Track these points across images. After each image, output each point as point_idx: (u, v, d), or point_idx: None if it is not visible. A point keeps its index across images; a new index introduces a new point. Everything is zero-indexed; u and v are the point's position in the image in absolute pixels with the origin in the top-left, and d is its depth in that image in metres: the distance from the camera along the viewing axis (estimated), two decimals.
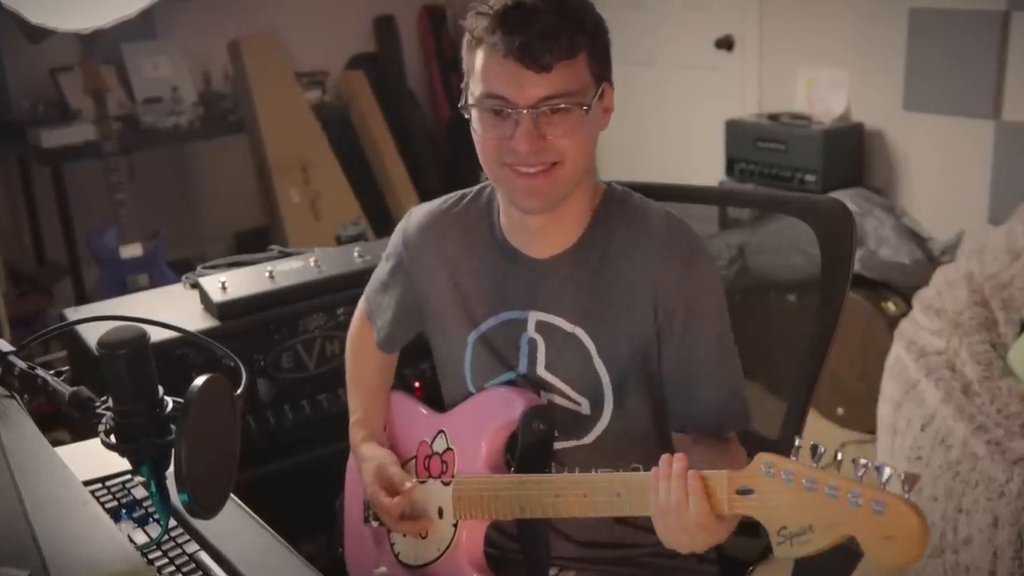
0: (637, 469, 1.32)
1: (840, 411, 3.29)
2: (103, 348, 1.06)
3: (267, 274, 2.19)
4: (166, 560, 1.26)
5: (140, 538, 1.31)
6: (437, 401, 1.51)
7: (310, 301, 2.17)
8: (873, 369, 2.76)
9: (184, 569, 1.24)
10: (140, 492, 1.41)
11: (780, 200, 1.56)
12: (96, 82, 3.75)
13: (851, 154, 3.66)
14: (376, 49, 5.33)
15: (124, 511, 1.37)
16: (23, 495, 1.20)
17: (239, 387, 1.14)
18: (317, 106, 4.81)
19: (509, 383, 1.39)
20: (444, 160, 5.25)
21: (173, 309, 2.15)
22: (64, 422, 2.40)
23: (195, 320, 2.11)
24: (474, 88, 1.26)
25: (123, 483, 1.44)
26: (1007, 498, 2.04)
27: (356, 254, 2.28)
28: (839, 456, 0.95)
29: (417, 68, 5.45)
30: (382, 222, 4.66)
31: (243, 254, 2.46)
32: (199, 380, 1.02)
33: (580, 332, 1.34)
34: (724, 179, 3.89)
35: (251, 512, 1.38)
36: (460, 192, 1.46)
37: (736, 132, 3.83)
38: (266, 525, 1.36)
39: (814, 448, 0.97)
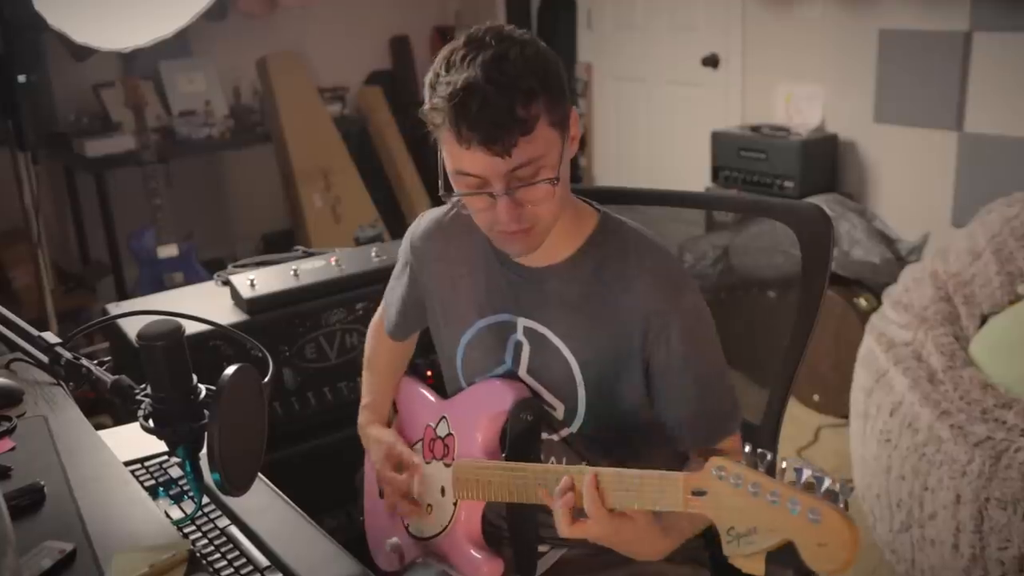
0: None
1: (816, 398, 3.28)
2: (142, 340, 1.05)
3: (292, 272, 2.19)
4: (200, 534, 1.26)
5: (176, 514, 1.31)
6: (444, 389, 1.51)
7: (331, 297, 2.17)
8: (846, 359, 2.76)
9: (216, 542, 1.24)
10: (176, 472, 1.41)
11: (763, 205, 1.55)
12: (135, 96, 3.75)
13: (826, 162, 3.65)
14: (392, 66, 5.33)
15: (161, 489, 1.37)
16: (69, 475, 1.20)
17: (266, 376, 1.14)
18: (338, 119, 4.80)
19: (503, 375, 1.38)
20: None
21: (206, 304, 2.15)
22: (106, 408, 2.40)
23: (226, 314, 2.11)
24: (447, 162, 1.21)
25: (160, 463, 1.44)
26: (969, 477, 2.03)
27: (373, 254, 2.28)
28: (784, 464, 0.95)
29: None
30: (397, 224, 4.65)
31: (270, 254, 2.45)
32: (230, 369, 1.02)
33: (564, 348, 1.32)
34: (710, 185, 3.88)
35: (277, 490, 1.38)
36: None
37: (721, 142, 3.82)
38: (291, 502, 1.36)
39: (763, 455, 0.97)
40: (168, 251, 3.84)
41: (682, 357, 1.27)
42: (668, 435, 1.32)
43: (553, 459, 1.36)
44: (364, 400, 1.57)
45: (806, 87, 3.77)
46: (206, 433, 1.00)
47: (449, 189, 1.23)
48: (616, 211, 1.38)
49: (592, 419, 1.33)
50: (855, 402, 2.56)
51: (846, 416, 2.72)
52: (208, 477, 1.01)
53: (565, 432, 1.35)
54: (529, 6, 5.08)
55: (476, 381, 1.41)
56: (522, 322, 1.35)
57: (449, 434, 1.41)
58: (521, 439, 1.32)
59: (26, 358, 1.35)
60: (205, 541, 1.24)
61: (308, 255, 2.36)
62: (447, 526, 1.38)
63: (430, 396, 1.51)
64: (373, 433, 1.51)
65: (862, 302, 3.22)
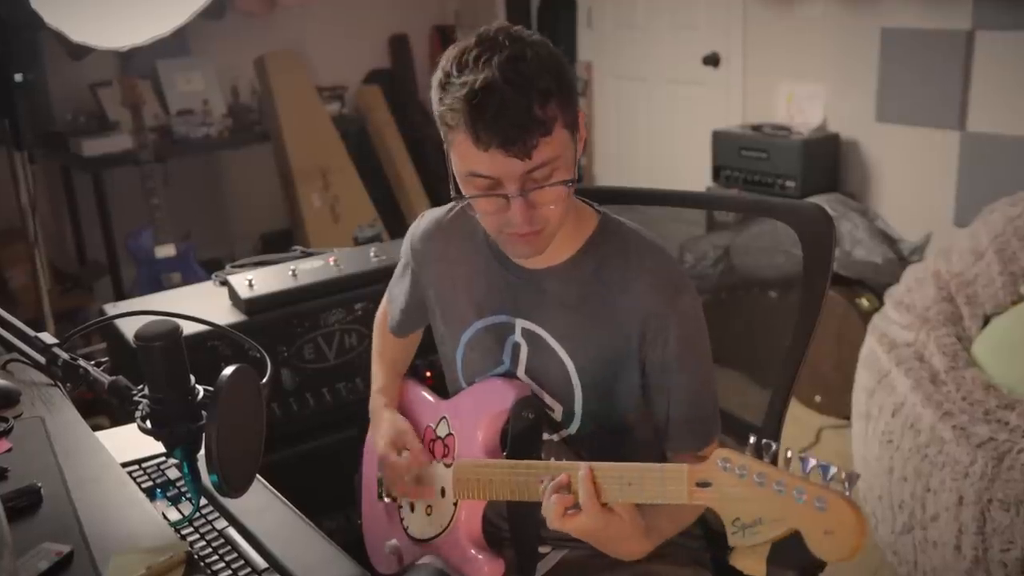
0: None
1: (818, 398, 3.28)
2: (140, 340, 1.05)
3: (290, 272, 2.19)
4: (197, 536, 1.25)
5: (173, 515, 1.31)
6: (446, 389, 1.51)
7: (330, 297, 2.17)
8: (848, 360, 2.76)
9: (214, 544, 1.23)
10: (173, 473, 1.41)
11: (765, 205, 1.55)
12: (133, 96, 3.75)
13: (828, 162, 3.65)
14: (391, 65, 5.32)
15: (159, 491, 1.37)
16: (66, 476, 1.20)
17: (265, 377, 1.14)
18: (336, 118, 4.80)
19: (503, 375, 1.38)
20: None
21: (204, 305, 2.15)
22: (104, 409, 2.40)
23: (224, 315, 2.11)
24: (458, 164, 1.20)
25: (158, 465, 1.44)
26: (971, 479, 2.03)
27: (372, 254, 2.28)
28: (789, 454, 0.95)
29: (428, 82, 5.41)
30: (396, 224, 4.65)
31: (268, 254, 2.45)
32: (228, 370, 1.01)
33: (561, 350, 1.32)
34: (711, 185, 3.88)
35: (276, 491, 1.38)
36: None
37: (722, 142, 3.82)
38: (289, 503, 1.36)
39: (767, 445, 0.97)
40: (166, 251, 3.84)
41: (677, 359, 1.27)
42: (656, 433, 1.32)
43: (552, 459, 1.36)
44: (376, 385, 1.58)
45: (807, 86, 3.77)
46: (204, 434, 1.00)
47: (459, 191, 1.23)
48: (616, 211, 1.38)
49: (589, 420, 1.33)
50: (857, 403, 2.56)
51: (848, 417, 2.72)
52: (206, 478, 1.01)
53: (564, 433, 1.35)
54: (529, 5, 5.07)
55: (481, 378, 1.41)
56: (520, 323, 1.35)
57: (449, 434, 1.41)
58: (522, 437, 1.32)
59: (23, 359, 1.35)
60: (203, 543, 1.24)
61: (306, 255, 2.35)
62: (447, 527, 1.37)
63: (430, 397, 1.52)
64: (387, 415, 1.51)
65: (864, 302, 3.22)
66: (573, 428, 1.34)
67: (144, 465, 1.43)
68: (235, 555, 1.21)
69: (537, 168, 1.15)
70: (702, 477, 1.02)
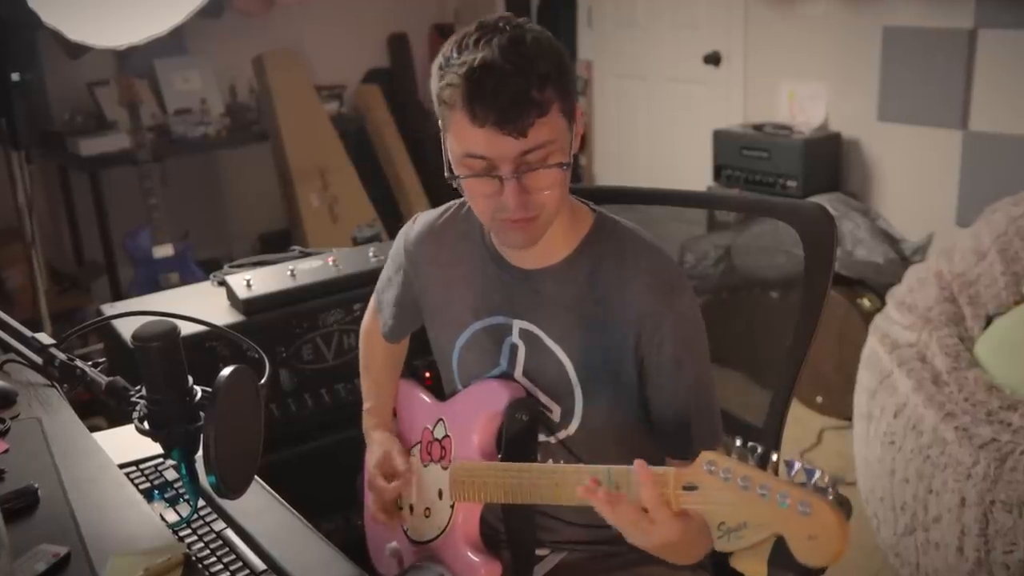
0: None
1: (819, 399, 3.28)
2: (137, 341, 1.05)
3: (289, 272, 2.18)
4: (195, 537, 1.25)
5: (171, 517, 1.31)
6: (443, 390, 1.51)
7: (328, 297, 2.17)
8: (850, 360, 2.76)
9: (212, 545, 1.24)
10: (171, 474, 1.41)
11: (766, 204, 1.55)
12: (130, 95, 3.75)
13: (829, 161, 3.65)
14: (390, 64, 5.33)
15: (156, 492, 1.37)
16: (63, 477, 1.20)
17: (263, 377, 1.14)
18: (335, 117, 4.80)
19: (499, 376, 1.38)
20: None
21: (202, 305, 2.15)
22: (101, 409, 2.40)
23: (222, 315, 2.11)
24: (454, 146, 1.21)
25: (155, 466, 1.44)
26: (974, 480, 2.03)
27: (371, 254, 2.28)
28: (775, 457, 0.95)
29: (428, 82, 5.42)
30: (395, 224, 4.60)
31: (266, 254, 2.45)
32: (226, 371, 1.01)
33: (559, 350, 1.32)
34: (712, 184, 3.88)
35: (274, 493, 1.38)
36: (459, 200, 1.45)
37: (723, 141, 3.82)
38: (288, 505, 1.36)
39: (753, 448, 0.96)
40: (164, 251, 3.84)
41: (673, 360, 1.27)
42: (653, 436, 1.32)
43: (550, 461, 1.36)
44: (366, 405, 1.57)
45: (809, 85, 3.77)
46: (202, 435, 1.00)
47: (453, 173, 1.24)
48: (616, 211, 1.37)
49: (588, 421, 1.33)
50: (858, 404, 2.56)
51: (849, 418, 2.72)
52: (204, 480, 1.01)
53: (562, 434, 1.35)
54: (529, 4, 5.08)
55: (476, 380, 1.41)
56: (517, 324, 1.35)
57: (446, 436, 1.41)
58: (517, 439, 1.31)
59: (20, 359, 1.35)
60: (201, 544, 1.24)
61: (305, 255, 2.35)
62: (445, 529, 1.38)
63: (427, 399, 1.52)
64: (376, 437, 1.52)
65: (865, 302, 3.22)
66: (572, 429, 1.34)
67: (142, 466, 1.43)
68: (233, 557, 1.21)
69: (532, 150, 1.16)
70: (688, 480, 1.01)
